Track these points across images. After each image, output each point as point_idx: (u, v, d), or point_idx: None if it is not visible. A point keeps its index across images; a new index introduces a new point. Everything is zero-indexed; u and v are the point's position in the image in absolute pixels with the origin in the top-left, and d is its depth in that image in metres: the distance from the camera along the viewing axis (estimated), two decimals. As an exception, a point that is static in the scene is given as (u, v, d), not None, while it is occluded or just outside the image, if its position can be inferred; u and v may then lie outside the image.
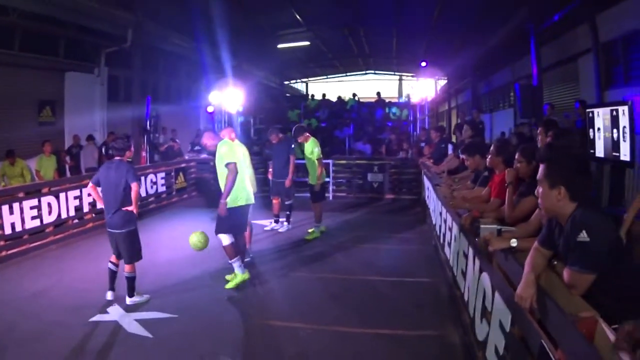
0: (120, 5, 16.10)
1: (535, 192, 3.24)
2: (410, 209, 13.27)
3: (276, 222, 10.91)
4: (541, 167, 3.18)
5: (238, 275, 7.04)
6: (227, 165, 6.95)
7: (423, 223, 11.10)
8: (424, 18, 18.62)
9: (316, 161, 10.10)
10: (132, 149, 6.97)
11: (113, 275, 6.66)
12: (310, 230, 10.15)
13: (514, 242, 3.60)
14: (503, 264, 3.71)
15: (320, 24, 21.79)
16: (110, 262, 6.69)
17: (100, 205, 6.96)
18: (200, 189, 15.36)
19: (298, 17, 20.18)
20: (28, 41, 14.88)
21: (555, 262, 3.20)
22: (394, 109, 24.70)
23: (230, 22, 18.63)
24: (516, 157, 4.83)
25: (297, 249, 9.34)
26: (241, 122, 17.85)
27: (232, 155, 7.03)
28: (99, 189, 6.69)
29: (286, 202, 10.73)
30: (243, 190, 7.18)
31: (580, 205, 2.97)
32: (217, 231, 7.07)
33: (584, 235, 2.82)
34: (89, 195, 10.26)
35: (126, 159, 6.71)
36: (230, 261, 7.08)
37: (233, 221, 7.07)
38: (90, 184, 6.74)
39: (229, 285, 7.03)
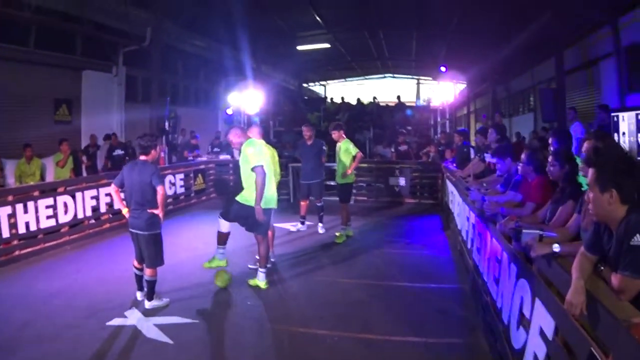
0: (138, 4, 16.16)
1: (586, 197, 3.13)
2: (433, 213, 13.13)
3: (302, 223, 10.86)
4: (590, 172, 3.07)
5: (216, 261, 7.24)
6: (254, 168, 6.79)
7: (446, 228, 10.99)
8: (444, 22, 18.53)
9: (349, 160, 10.07)
10: (159, 148, 6.76)
11: (140, 279, 6.59)
12: (337, 234, 10.04)
13: (556, 248, 3.49)
14: (545, 270, 3.60)
15: (340, 26, 21.77)
16: (134, 267, 6.60)
17: (117, 206, 6.84)
18: (219, 191, 15.33)
19: (318, 18, 20.15)
20: (44, 38, 14.79)
21: (602, 268, 3.08)
22: (408, 111, 24.59)
23: (249, 23, 18.70)
24: (549, 160, 4.74)
25: (320, 252, 9.24)
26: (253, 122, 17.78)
27: (259, 158, 6.88)
28: (122, 192, 6.57)
29: (317, 204, 10.67)
30: (268, 193, 7.04)
31: (632, 208, 2.87)
32: (222, 214, 7.16)
33: (638, 239, 2.72)
34: (107, 195, 10.29)
35: (151, 158, 6.53)
36: (217, 245, 7.21)
37: (244, 217, 7.01)
38: (113, 186, 6.58)
39: (206, 265, 7.32)
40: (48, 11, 13.97)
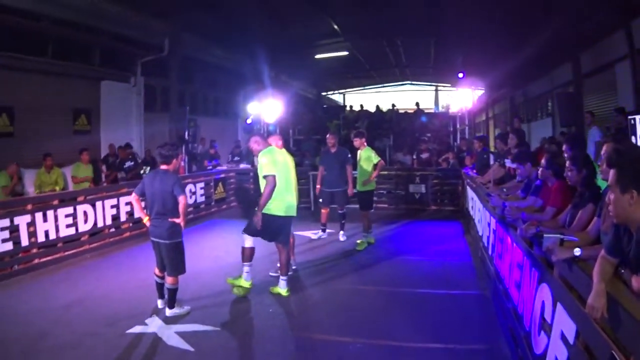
0: (155, 15, 16.28)
1: (607, 198, 3.14)
2: (453, 220, 13.08)
3: (323, 231, 10.90)
4: (611, 173, 3.06)
5: (241, 281, 7.04)
6: (265, 177, 6.90)
7: (467, 234, 10.96)
8: (461, 28, 18.48)
9: (370, 167, 10.14)
10: (180, 157, 6.81)
11: (160, 287, 6.59)
12: (359, 242, 10.05)
13: (577, 252, 3.48)
14: (566, 274, 3.60)
15: (357, 34, 21.78)
16: (155, 275, 6.61)
17: (138, 215, 6.90)
18: (239, 199, 15.43)
19: (335, 26, 20.20)
20: (61, 48, 14.89)
21: (623, 270, 3.08)
22: (423, 118, 24.53)
23: (267, 32, 18.78)
24: (567, 165, 4.73)
25: (342, 260, 9.26)
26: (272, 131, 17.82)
27: (271, 167, 6.93)
28: (142, 201, 6.61)
29: (339, 212, 10.69)
30: (282, 201, 7.05)
31: None
32: (244, 230, 7.09)
33: None
34: (127, 204, 10.36)
35: (172, 168, 6.56)
36: (242, 263, 7.06)
37: (266, 228, 6.96)
38: (134, 195, 6.61)
39: (229, 280, 7.15)
40: (65, 22, 14.09)
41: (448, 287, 7.40)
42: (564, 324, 3.34)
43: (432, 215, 13.96)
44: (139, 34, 16.16)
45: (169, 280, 6.41)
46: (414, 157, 17.77)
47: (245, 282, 7.02)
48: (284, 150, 7.50)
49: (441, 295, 7.10)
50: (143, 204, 6.66)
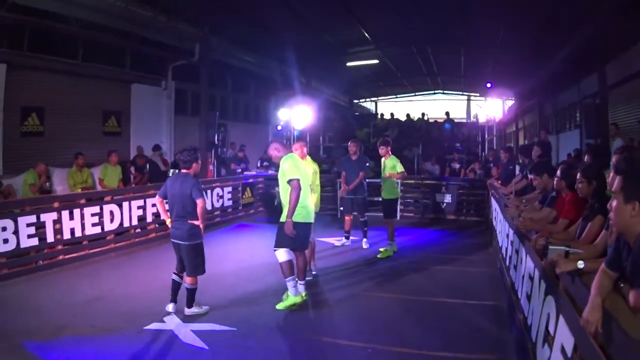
0: (187, 20, 16.51)
1: (608, 205, 3.13)
2: (477, 230, 13.08)
3: (347, 238, 10.95)
4: (617, 180, 3.06)
5: (290, 297, 6.81)
6: (289, 182, 6.74)
7: (489, 245, 10.89)
8: (490, 37, 18.40)
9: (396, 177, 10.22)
10: (199, 161, 6.92)
11: (176, 286, 6.64)
12: (382, 250, 10.07)
13: (580, 264, 3.47)
14: (569, 287, 3.59)
15: (387, 41, 21.81)
16: (174, 273, 6.70)
17: (163, 217, 6.98)
18: (266, 205, 15.56)
19: (366, 34, 20.27)
20: (92, 51, 15.22)
21: (622, 285, 3.07)
22: (447, 125, 24.36)
23: (297, 39, 18.92)
24: (577, 177, 4.71)
25: (363, 267, 9.31)
26: (297, 136, 17.85)
27: (295, 171, 6.79)
28: (166, 203, 6.76)
29: (361, 219, 10.74)
30: (305, 208, 6.94)
31: None
32: (275, 245, 6.91)
33: None
34: (153, 205, 10.49)
35: (193, 172, 6.67)
36: (285, 279, 6.85)
37: (293, 237, 6.78)
38: (158, 197, 6.83)
39: (279, 306, 6.84)
40: (96, 26, 14.36)
41: (465, 297, 7.37)
42: (564, 337, 3.34)
43: (457, 225, 13.91)
44: (170, 38, 16.39)
45: (187, 280, 6.53)
46: (447, 166, 17.74)
47: (294, 298, 6.80)
48: (308, 158, 7.51)
49: (457, 304, 7.08)
50: (167, 206, 6.83)
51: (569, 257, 3.76)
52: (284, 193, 6.91)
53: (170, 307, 6.57)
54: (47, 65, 13.96)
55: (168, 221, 6.72)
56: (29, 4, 12.18)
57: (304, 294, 6.97)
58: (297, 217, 6.84)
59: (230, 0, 15.53)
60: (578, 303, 3.36)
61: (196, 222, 6.48)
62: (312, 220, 7.20)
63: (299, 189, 6.71)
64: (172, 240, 6.64)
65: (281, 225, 6.85)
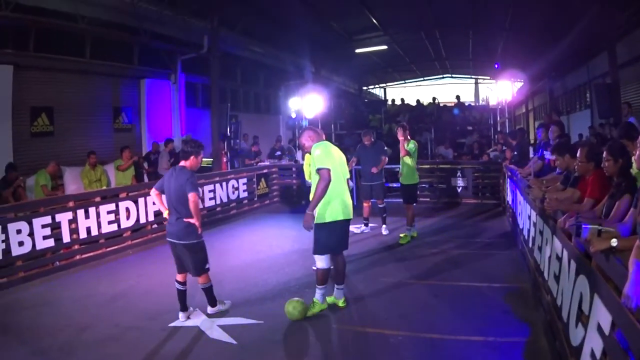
0: (194, 13, 16.55)
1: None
2: (495, 213, 13.08)
3: (366, 225, 10.98)
4: None
5: (316, 304, 6.30)
6: (318, 170, 6.04)
7: (508, 227, 10.89)
8: (498, 19, 18.30)
9: (413, 161, 10.19)
10: (200, 157, 6.57)
11: (182, 295, 6.23)
12: (402, 235, 10.06)
13: (614, 242, 3.47)
14: (604, 265, 3.59)
15: (396, 27, 21.74)
16: (177, 281, 6.25)
17: (161, 209, 6.49)
18: (282, 195, 15.60)
19: (374, 20, 20.20)
20: (100, 48, 15.26)
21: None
22: (455, 110, 24.29)
23: (305, 28, 18.89)
24: (604, 155, 4.68)
25: (385, 253, 9.30)
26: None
27: (326, 160, 6.10)
28: (164, 197, 6.30)
29: (379, 205, 10.75)
30: (342, 203, 6.26)
31: None
32: (315, 251, 6.29)
33: None
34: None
35: (189, 165, 6.21)
36: (317, 286, 6.34)
37: (332, 239, 6.24)
38: (154, 190, 6.35)
39: (308, 314, 6.26)
40: (104, 23, 14.45)
41: (489, 280, 7.36)
42: (600, 315, 3.34)
43: (474, 208, 13.90)
44: (178, 32, 16.46)
45: (199, 281, 6.26)
46: (464, 150, 17.72)
47: (319, 305, 6.33)
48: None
49: (482, 288, 7.08)
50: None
51: (601, 235, 3.76)
52: (315, 184, 6.20)
53: (181, 316, 6.19)
54: (55, 65, 14.05)
55: (165, 213, 6.29)
56: (35, 4, 12.26)
57: (341, 301, 6.56)
58: (339, 215, 6.23)
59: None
60: (613, 280, 3.37)
61: (191, 220, 6.01)
62: (351, 216, 6.47)
63: (328, 180, 6.00)
64: (168, 239, 6.27)
65: (318, 228, 6.23)
